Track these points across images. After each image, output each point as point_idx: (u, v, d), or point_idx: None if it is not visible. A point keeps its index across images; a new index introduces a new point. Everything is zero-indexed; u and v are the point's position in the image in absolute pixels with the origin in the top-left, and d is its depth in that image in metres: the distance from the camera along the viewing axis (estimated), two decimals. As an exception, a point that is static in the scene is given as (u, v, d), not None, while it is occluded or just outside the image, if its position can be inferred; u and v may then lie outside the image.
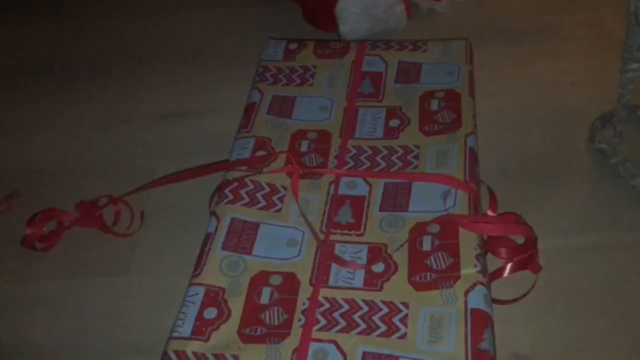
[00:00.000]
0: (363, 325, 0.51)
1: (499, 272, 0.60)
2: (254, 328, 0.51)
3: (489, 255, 0.61)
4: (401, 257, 0.55)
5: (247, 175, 0.62)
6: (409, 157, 0.62)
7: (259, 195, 0.61)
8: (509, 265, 0.60)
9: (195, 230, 0.63)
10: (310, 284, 0.54)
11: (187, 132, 0.82)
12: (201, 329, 0.51)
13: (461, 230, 0.55)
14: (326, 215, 0.59)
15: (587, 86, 0.81)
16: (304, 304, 0.52)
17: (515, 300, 0.59)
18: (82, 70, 0.93)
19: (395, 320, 0.51)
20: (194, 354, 0.50)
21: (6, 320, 0.64)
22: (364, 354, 0.49)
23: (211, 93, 0.86)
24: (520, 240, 0.62)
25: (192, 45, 0.94)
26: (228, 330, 0.51)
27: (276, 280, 0.54)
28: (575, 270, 0.63)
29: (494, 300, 0.59)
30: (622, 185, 0.69)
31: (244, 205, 0.60)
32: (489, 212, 0.63)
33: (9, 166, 0.80)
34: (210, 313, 0.52)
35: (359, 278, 0.54)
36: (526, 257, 0.60)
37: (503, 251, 0.60)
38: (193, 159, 0.74)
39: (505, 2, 0.94)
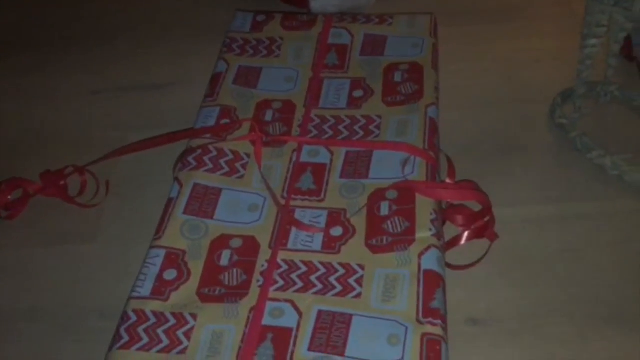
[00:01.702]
0: (319, 286, 0.52)
1: (457, 239, 0.62)
2: (213, 288, 0.52)
3: (447, 224, 0.63)
4: (359, 222, 0.56)
5: (211, 143, 0.63)
6: (371, 127, 0.63)
7: (222, 161, 0.61)
8: (466, 233, 0.62)
9: (161, 199, 0.64)
10: (270, 247, 0.55)
11: (157, 103, 0.82)
12: (161, 289, 0.52)
13: (418, 196, 0.57)
14: (288, 181, 0.60)
15: (551, 64, 0.83)
16: (262, 265, 0.54)
17: (470, 265, 0.61)
18: (51, 42, 0.92)
19: (351, 280, 0.52)
20: (153, 312, 0.51)
21: (-30, 286, 0.65)
22: (319, 312, 0.50)
23: (181, 65, 0.86)
24: (477, 209, 0.63)
25: (163, 18, 0.94)
26: (187, 291, 0.52)
27: (236, 243, 0.55)
28: (532, 239, 0.65)
29: (451, 266, 0.60)
30: (580, 159, 0.71)
31: (207, 171, 0.60)
32: (448, 180, 0.65)
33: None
34: (171, 274, 0.53)
35: (317, 241, 0.55)
36: (483, 225, 0.62)
37: (460, 218, 0.62)
38: (162, 130, 0.74)
39: (474, -19, 0.96)
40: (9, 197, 0.70)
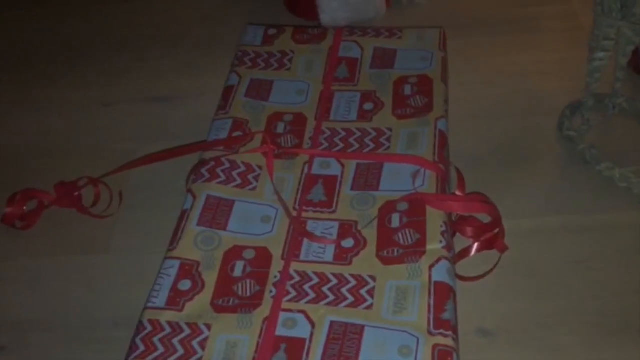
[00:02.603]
0: (332, 297, 0.52)
1: (466, 251, 0.63)
2: (226, 299, 0.53)
3: (457, 236, 0.64)
4: (370, 234, 0.57)
5: (224, 155, 0.64)
6: (382, 139, 0.64)
7: (234, 173, 0.62)
8: (475, 245, 0.63)
9: (173, 210, 0.65)
10: (282, 258, 0.56)
11: (168, 115, 0.83)
12: (175, 299, 0.53)
13: (428, 208, 0.57)
14: (299, 193, 0.61)
15: (559, 76, 0.83)
16: (275, 276, 0.54)
17: (479, 277, 0.62)
18: (64, 54, 0.94)
19: (363, 292, 0.52)
20: (168, 323, 0.51)
21: (-14, 295, 0.66)
22: (332, 323, 0.50)
23: (192, 78, 0.87)
24: (487, 220, 0.64)
25: (174, 31, 0.96)
26: (201, 301, 0.53)
27: (249, 254, 0.56)
28: (541, 251, 0.65)
29: (461, 278, 0.61)
30: (588, 171, 0.72)
31: (220, 183, 0.61)
32: (457, 193, 0.65)
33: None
34: (185, 285, 0.54)
35: (329, 253, 0.56)
36: (492, 236, 0.62)
37: (469, 230, 0.62)
38: (173, 142, 0.76)
39: (482, -6, 0.97)
40: (24, 207, 0.72)
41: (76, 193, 0.72)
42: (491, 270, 0.62)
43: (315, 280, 0.54)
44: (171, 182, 0.73)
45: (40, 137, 0.82)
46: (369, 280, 0.53)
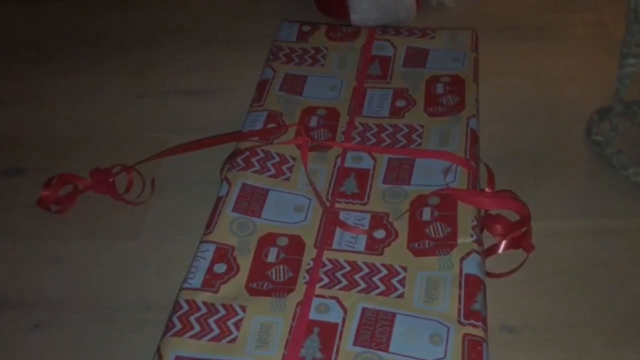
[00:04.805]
0: (363, 285, 0.54)
1: (494, 248, 0.64)
2: (260, 283, 0.54)
3: (485, 233, 0.65)
4: (402, 226, 0.58)
5: (259, 146, 0.65)
6: (413, 136, 0.65)
7: (269, 164, 0.64)
8: (503, 243, 0.63)
9: (203, 199, 0.66)
10: (315, 246, 0.57)
11: (200, 108, 0.85)
12: (211, 281, 0.54)
13: (459, 203, 0.58)
14: (332, 185, 0.62)
15: (587, 82, 0.84)
16: (308, 263, 0.55)
17: (506, 274, 0.62)
18: (100, 45, 0.96)
19: (394, 281, 0.54)
20: (204, 303, 0.53)
21: (22, 276, 0.67)
22: (364, 309, 0.52)
23: (225, 72, 0.89)
24: (515, 219, 0.65)
25: (208, 27, 0.97)
26: (236, 284, 0.54)
27: (283, 241, 0.57)
28: (567, 252, 0.66)
29: (488, 274, 0.62)
30: (615, 175, 0.72)
31: (255, 172, 0.63)
32: (487, 189, 0.66)
33: (31, 133, 0.83)
34: (220, 268, 0.55)
35: (361, 242, 0.57)
36: (520, 235, 0.63)
37: (498, 227, 0.63)
38: (204, 134, 0.77)
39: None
40: (60, 192, 0.73)
41: (110, 179, 0.74)
42: (518, 267, 0.63)
43: (347, 268, 0.55)
44: (202, 172, 0.74)
45: (75, 125, 0.84)
46: (400, 270, 0.54)
